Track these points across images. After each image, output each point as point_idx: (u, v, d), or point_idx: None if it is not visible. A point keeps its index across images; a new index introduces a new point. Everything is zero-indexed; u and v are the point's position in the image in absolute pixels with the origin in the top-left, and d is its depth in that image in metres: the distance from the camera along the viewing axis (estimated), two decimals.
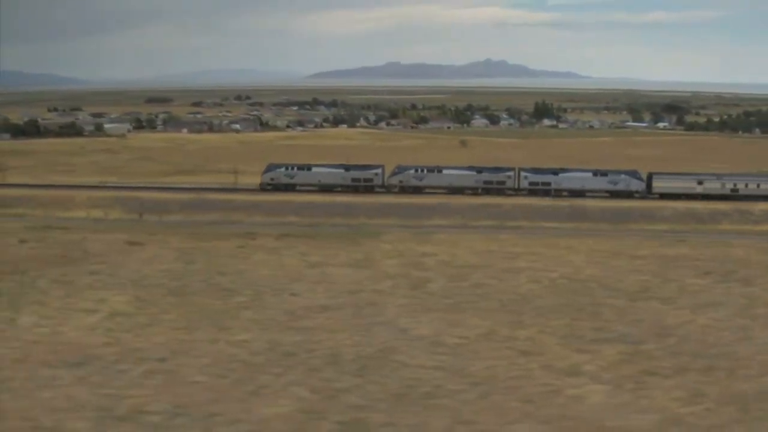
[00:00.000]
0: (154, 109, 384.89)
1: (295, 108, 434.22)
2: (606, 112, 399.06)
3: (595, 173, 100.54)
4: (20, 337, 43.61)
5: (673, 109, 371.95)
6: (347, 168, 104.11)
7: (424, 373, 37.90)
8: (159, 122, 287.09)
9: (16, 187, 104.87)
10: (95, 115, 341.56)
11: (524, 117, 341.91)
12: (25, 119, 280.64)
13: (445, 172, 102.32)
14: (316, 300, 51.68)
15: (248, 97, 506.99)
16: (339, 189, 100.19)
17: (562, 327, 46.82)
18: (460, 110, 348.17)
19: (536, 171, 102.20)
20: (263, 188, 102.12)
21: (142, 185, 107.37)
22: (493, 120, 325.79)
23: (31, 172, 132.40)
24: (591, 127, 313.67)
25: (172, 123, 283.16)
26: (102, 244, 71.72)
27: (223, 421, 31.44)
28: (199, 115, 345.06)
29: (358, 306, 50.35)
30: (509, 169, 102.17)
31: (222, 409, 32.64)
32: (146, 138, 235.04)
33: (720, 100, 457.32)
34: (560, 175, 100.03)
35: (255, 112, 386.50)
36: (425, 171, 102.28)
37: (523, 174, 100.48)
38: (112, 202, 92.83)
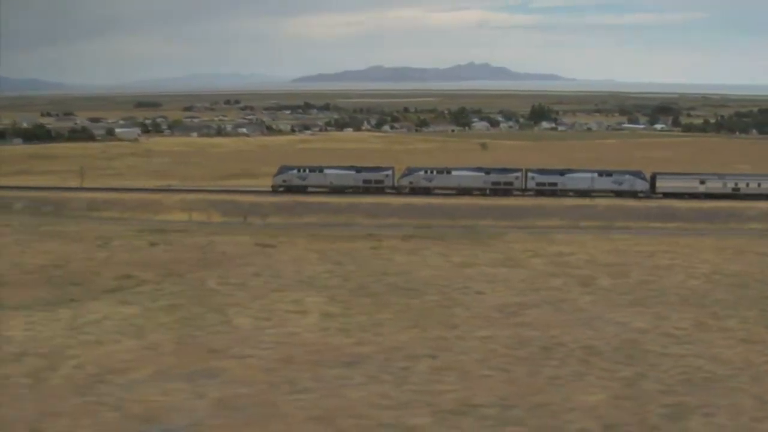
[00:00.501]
0: (145, 114, 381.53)
1: (287, 112, 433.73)
2: (598, 114, 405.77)
3: (601, 173, 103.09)
4: (257, 338, 44.38)
5: (666, 111, 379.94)
6: (358, 170, 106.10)
7: (686, 360, 39.83)
8: (164, 126, 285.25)
9: (94, 190, 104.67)
10: (93, 120, 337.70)
11: (521, 120, 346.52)
12: (24, 124, 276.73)
13: (454, 173, 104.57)
14: (507, 298, 53.23)
15: (237, 101, 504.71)
16: (350, 190, 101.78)
17: (759, 317, 49.11)
18: (455, 113, 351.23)
19: (543, 172, 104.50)
20: (275, 190, 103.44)
21: (218, 189, 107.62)
22: (492, 123, 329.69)
23: (81, 176, 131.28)
24: (589, 129, 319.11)
25: (179, 127, 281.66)
26: (232, 246, 72.37)
27: (558, 410, 32.91)
28: (196, 119, 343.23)
29: (552, 303, 52.04)
30: (517, 170, 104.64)
31: (544, 399, 34.11)
32: (162, 142, 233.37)
33: (706, 101, 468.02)
34: (566, 175, 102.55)
35: (250, 116, 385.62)
36: (435, 172, 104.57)
37: (530, 175, 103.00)
38: (206, 206, 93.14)
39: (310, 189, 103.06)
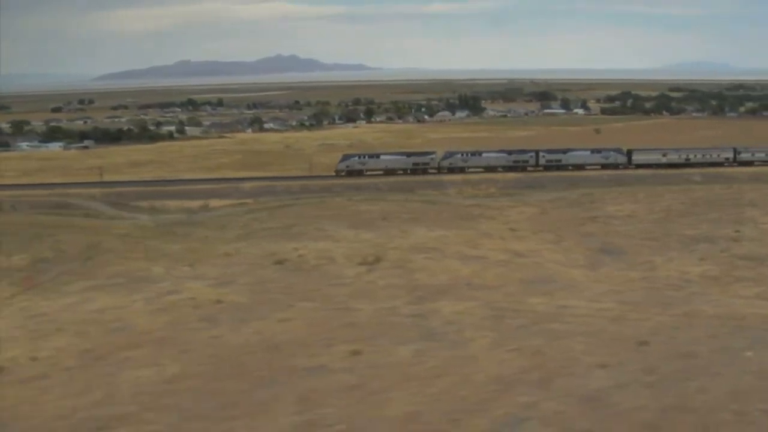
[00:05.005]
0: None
1: (178, 110, 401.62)
2: (484, 101, 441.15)
3: (593, 151, 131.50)
4: None
5: (546, 96, 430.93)
6: (408, 155, 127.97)
7: None
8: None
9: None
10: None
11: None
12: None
13: (484, 155, 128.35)
14: None
15: (91, 101, 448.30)
16: (400, 172, 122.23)
17: None
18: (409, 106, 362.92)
19: (550, 151, 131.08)
20: (338, 174, 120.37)
21: None
22: (453, 112, 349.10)
23: None
24: (526, 114, 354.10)
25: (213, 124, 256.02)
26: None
27: None
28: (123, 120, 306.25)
29: None
30: (531, 151, 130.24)
31: None
32: (251, 138, 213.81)
33: (537, 87, 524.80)
34: (568, 153, 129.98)
35: (171, 114, 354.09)
36: (469, 155, 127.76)
37: (541, 154, 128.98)
38: None
39: (367, 172, 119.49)
